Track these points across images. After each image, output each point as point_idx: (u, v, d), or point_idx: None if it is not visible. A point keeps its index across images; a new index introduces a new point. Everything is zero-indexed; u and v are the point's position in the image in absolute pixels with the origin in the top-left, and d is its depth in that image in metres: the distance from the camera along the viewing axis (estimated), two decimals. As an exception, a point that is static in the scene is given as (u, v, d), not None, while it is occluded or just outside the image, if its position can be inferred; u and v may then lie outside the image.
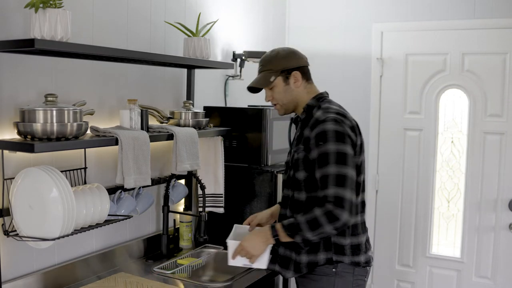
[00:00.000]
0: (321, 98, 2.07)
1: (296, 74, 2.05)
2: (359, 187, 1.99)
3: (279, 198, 2.73)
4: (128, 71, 2.46)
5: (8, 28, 1.88)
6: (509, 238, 3.26)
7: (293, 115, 2.97)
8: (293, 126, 2.21)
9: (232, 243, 1.97)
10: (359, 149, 1.97)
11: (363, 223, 2.05)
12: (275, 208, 2.26)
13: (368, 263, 2.04)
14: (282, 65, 2.04)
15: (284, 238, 1.90)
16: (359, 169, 1.98)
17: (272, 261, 2.06)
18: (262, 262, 1.96)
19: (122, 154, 2.08)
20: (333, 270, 1.97)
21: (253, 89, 2.14)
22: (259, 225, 2.21)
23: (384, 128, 3.58)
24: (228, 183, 2.82)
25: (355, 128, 1.98)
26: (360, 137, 2.01)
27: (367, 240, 2.07)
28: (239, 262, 1.98)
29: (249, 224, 2.22)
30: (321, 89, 2.11)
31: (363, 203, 2.05)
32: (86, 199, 2.00)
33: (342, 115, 1.95)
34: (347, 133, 1.90)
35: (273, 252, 2.06)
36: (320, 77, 2.40)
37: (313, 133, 1.91)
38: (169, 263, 2.47)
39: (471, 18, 3.27)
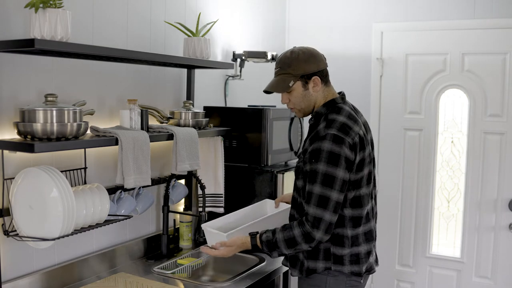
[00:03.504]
0: (332, 105, 1.98)
1: (316, 79, 1.96)
2: (359, 201, 1.93)
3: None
4: (128, 71, 2.46)
5: (8, 28, 1.88)
6: (509, 238, 3.26)
7: (293, 114, 2.99)
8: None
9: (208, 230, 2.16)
10: (360, 164, 1.90)
11: (366, 233, 1.98)
12: None
13: (369, 271, 2.02)
14: (303, 69, 1.95)
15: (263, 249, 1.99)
16: (360, 183, 1.91)
17: (285, 257, 2.11)
18: None
19: (122, 154, 2.07)
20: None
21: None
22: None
23: (384, 128, 3.58)
24: (228, 183, 2.82)
25: (357, 145, 1.87)
26: (363, 152, 1.91)
27: (370, 250, 2.00)
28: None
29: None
30: None
31: (367, 214, 1.98)
32: (86, 199, 2.00)
33: (344, 131, 1.86)
34: (344, 155, 1.83)
35: None
36: (320, 77, 2.39)
37: (310, 148, 1.89)
38: (169, 263, 2.47)
39: (471, 18, 3.27)
